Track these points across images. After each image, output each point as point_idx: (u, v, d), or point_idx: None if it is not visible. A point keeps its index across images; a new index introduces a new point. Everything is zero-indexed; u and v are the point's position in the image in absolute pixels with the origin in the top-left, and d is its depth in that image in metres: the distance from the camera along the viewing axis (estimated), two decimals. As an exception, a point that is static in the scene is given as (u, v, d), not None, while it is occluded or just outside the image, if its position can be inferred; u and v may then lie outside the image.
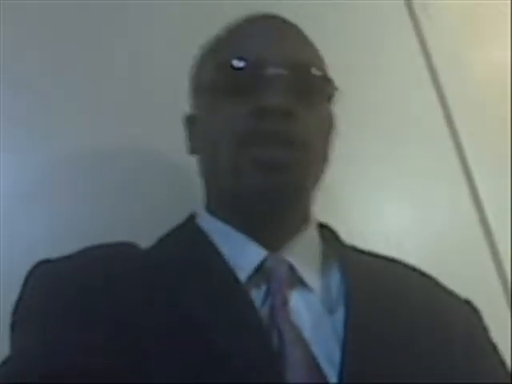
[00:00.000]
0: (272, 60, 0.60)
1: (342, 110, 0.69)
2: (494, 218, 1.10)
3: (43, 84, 0.82)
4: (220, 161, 0.62)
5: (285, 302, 0.57)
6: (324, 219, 0.71)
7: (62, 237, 0.75)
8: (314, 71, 0.63)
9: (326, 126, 0.65)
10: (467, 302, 0.68)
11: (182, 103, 0.71)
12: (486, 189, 1.12)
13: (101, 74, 0.86)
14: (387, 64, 1.13)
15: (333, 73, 0.68)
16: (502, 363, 0.63)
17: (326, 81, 0.65)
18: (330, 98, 0.66)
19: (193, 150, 0.70)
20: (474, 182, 1.11)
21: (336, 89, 0.65)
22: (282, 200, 0.60)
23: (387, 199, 1.05)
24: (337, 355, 0.53)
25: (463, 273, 0.95)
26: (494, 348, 0.64)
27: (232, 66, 0.61)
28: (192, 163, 0.70)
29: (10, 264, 0.71)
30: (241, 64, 0.61)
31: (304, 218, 0.66)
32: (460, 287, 0.68)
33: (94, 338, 0.50)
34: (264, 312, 0.56)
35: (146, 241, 0.65)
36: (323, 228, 0.70)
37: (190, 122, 0.71)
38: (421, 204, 1.07)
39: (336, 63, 0.69)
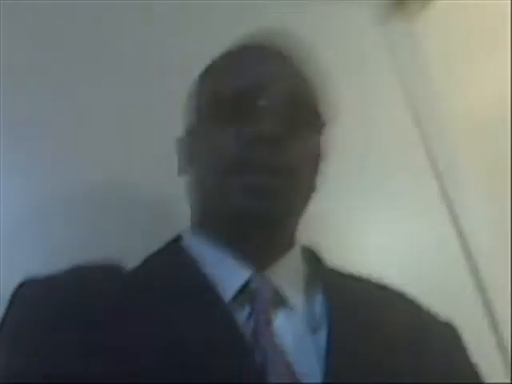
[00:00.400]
0: (264, 91, 0.62)
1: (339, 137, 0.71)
2: (473, 242, 1.12)
3: (28, 115, 0.84)
4: (207, 185, 0.63)
5: (268, 323, 0.58)
6: (306, 239, 0.72)
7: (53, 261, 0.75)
8: (305, 103, 0.65)
9: (315, 156, 0.66)
10: (447, 323, 0.69)
11: (170, 137, 0.74)
12: (466, 210, 1.13)
13: (93, 107, 0.88)
14: (373, 95, 1.15)
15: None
16: (481, 381, 0.64)
17: (317, 114, 0.66)
18: (320, 129, 0.67)
19: (181, 171, 0.71)
20: (454, 206, 1.13)
21: (327, 122, 0.67)
22: (267, 225, 0.61)
23: (370, 222, 1.06)
24: (319, 374, 0.54)
25: (445, 294, 0.96)
26: (474, 368, 0.65)
27: (228, 94, 0.63)
28: (177, 193, 0.72)
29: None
30: (234, 94, 0.62)
31: (289, 241, 0.67)
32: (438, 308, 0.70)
33: (77, 355, 0.51)
34: (247, 332, 0.56)
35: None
36: (307, 250, 0.71)
37: (181, 144, 0.72)
38: (404, 238, 1.09)
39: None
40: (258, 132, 0.59)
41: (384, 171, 1.10)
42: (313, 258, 0.70)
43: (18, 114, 0.84)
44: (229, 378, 0.51)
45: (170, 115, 0.75)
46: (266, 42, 0.69)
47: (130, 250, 0.72)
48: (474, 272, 1.10)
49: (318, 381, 0.53)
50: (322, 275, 0.67)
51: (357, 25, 1.20)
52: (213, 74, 0.69)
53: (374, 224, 1.06)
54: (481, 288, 1.08)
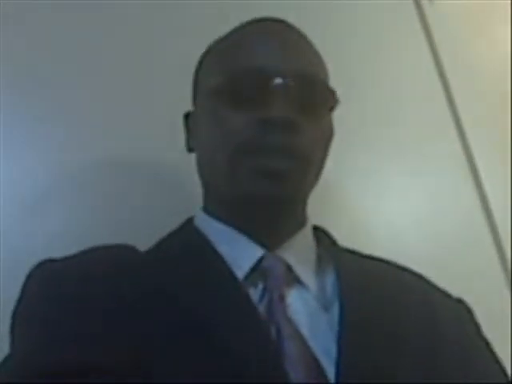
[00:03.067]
0: (278, 71, 0.60)
1: (345, 100, 0.68)
2: (497, 212, 1.09)
3: (44, 96, 0.83)
4: (219, 167, 0.62)
5: (282, 298, 0.58)
6: (327, 213, 0.71)
7: (62, 243, 0.75)
8: (320, 83, 0.64)
9: (327, 137, 0.66)
10: (459, 301, 0.69)
11: (180, 112, 0.72)
12: (491, 183, 1.11)
13: (101, 84, 0.86)
14: (392, 57, 1.13)
15: (341, 66, 0.66)
16: (496, 360, 0.64)
17: (330, 92, 0.65)
18: (331, 108, 0.66)
19: (191, 149, 0.71)
20: (479, 178, 1.11)
21: (338, 100, 0.66)
22: (278, 208, 0.61)
23: (390, 193, 1.04)
24: (333, 349, 0.54)
25: (465, 267, 0.94)
26: (487, 345, 0.65)
27: (238, 76, 0.61)
28: (189, 171, 0.70)
29: (10, 264, 0.72)
30: (247, 74, 0.61)
31: (300, 221, 0.67)
32: (461, 281, 0.68)
33: (95, 336, 0.51)
34: (261, 308, 0.57)
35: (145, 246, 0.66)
36: (318, 231, 0.71)
37: (190, 119, 0.71)
38: (423, 198, 1.07)
39: (335, 51, 0.68)
40: (272, 115, 0.58)
41: (404, 135, 1.06)
42: (324, 238, 0.71)
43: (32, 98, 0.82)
44: (246, 353, 0.51)
45: (183, 91, 0.73)
46: (273, 19, 0.67)
47: (142, 230, 0.73)
48: (496, 237, 1.07)
49: (333, 355, 0.53)
50: (333, 254, 0.67)
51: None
52: (224, 51, 0.67)
53: (391, 190, 1.04)
54: (502, 255, 1.06)
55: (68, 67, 0.85)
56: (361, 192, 1.00)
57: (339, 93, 0.65)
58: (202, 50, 0.71)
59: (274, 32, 0.65)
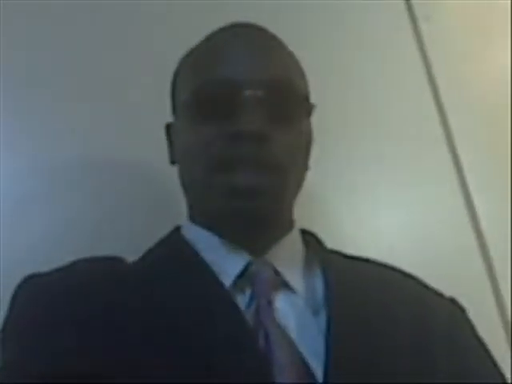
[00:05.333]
0: (246, 81, 0.59)
1: (337, 113, 0.69)
2: (485, 221, 1.10)
3: (29, 95, 0.83)
4: (195, 182, 0.63)
5: (270, 303, 0.58)
6: (315, 223, 0.72)
7: (46, 243, 0.76)
8: (291, 88, 0.62)
9: (304, 142, 0.65)
10: (452, 300, 0.69)
11: (168, 111, 0.72)
12: (480, 196, 1.12)
13: (94, 84, 0.87)
14: (383, 66, 1.13)
15: (330, 77, 0.67)
16: (491, 359, 0.63)
17: (304, 98, 0.64)
18: (308, 113, 0.65)
19: (173, 161, 0.70)
20: (467, 185, 1.12)
21: (313, 104, 0.65)
22: (257, 222, 0.61)
23: (379, 203, 1.04)
24: (322, 352, 0.54)
25: (454, 275, 0.95)
26: (482, 344, 0.65)
27: (206, 89, 0.60)
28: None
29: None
30: (216, 87, 0.60)
31: (287, 225, 0.67)
32: (451, 289, 0.69)
33: (83, 347, 0.51)
34: (250, 314, 0.56)
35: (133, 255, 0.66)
36: (306, 234, 0.70)
37: (171, 131, 0.71)
38: (413, 207, 1.07)
39: (329, 64, 0.69)
40: (240, 129, 0.57)
41: (396, 149, 1.08)
42: (312, 241, 0.70)
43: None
44: (232, 362, 0.51)
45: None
46: (242, 25, 0.66)
47: (132, 233, 0.73)
48: (484, 248, 1.09)
49: (322, 360, 0.53)
50: (321, 257, 0.67)
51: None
52: (192, 63, 0.66)
53: (382, 200, 1.05)
54: (490, 266, 1.07)
55: (55, 67, 0.85)
56: (348, 205, 1.00)
57: (330, 106, 0.65)
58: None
59: (241, 39, 0.64)
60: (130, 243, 0.67)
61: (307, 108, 0.65)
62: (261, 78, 0.60)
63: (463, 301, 0.69)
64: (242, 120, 0.57)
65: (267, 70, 0.61)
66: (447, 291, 0.69)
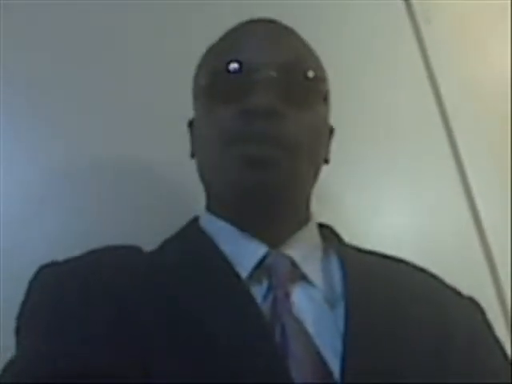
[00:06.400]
0: (263, 63, 0.61)
1: (343, 113, 0.69)
2: (488, 220, 1.10)
3: (33, 96, 0.83)
4: (210, 160, 0.63)
5: (287, 295, 0.57)
6: (321, 220, 0.71)
7: (60, 246, 0.75)
8: (307, 72, 0.63)
9: (319, 126, 0.65)
10: (470, 299, 0.68)
11: (174, 113, 0.73)
12: (481, 191, 1.12)
13: (90, 83, 0.87)
14: (385, 68, 1.14)
15: (330, 77, 0.68)
16: (508, 360, 0.63)
17: (321, 81, 0.65)
18: (325, 97, 0.66)
19: (192, 154, 0.71)
20: (470, 186, 1.12)
21: (328, 89, 0.66)
22: (270, 196, 0.60)
23: (385, 202, 1.05)
24: (339, 347, 0.53)
25: (459, 274, 0.95)
26: (499, 344, 0.64)
27: (224, 71, 0.62)
28: (187, 171, 0.70)
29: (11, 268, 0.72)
30: (232, 68, 0.61)
31: (303, 217, 0.66)
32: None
33: (98, 338, 0.51)
34: (266, 306, 0.56)
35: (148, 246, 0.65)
36: (324, 228, 0.70)
37: (191, 125, 0.72)
38: (418, 206, 1.07)
39: (333, 66, 0.69)
40: (255, 104, 0.59)
41: (400, 150, 1.08)
42: (330, 235, 0.70)
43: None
44: (248, 355, 0.51)
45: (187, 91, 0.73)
46: (263, 18, 0.68)
47: (144, 229, 0.73)
48: (488, 252, 1.08)
49: (339, 354, 0.52)
50: (339, 250, 0.66)
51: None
52: (211, 52, 0.68)
53: (387, 203, 1.05)
54: (493, 267, 1.07)
55: (66, 71, 0.85)
56: (357, 205, 1.00)
57: (336, 107, 0.66)
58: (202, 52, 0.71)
59: (258, 29, 0.66)
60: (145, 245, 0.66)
61: (322, 91, 0.65)
62: (274, 61, 0.61)
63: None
64: (256, 97, 0.59)
65: (280, 54, 0.62)
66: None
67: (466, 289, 0.69)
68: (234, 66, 0.61)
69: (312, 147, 0.63)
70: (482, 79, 1.26)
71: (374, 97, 1.09)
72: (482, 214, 1.11)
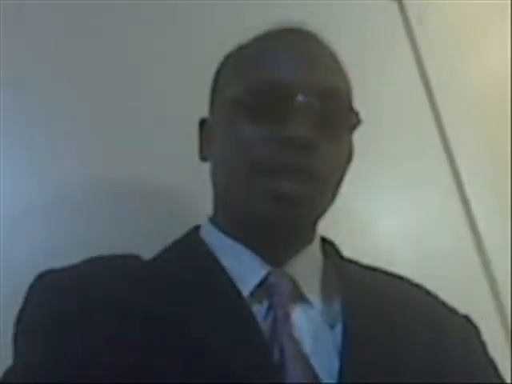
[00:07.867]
0: (301, 87, 0.58)
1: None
2: (484, 228, 1.10)
3: (42, 110, 0.82)
4: (234, 183, 0.61)
5: (287, 316, 0.57)
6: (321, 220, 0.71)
7: (59, 252, 0.75)
8: (343, 101, 0.61)
9: (345, 159, 0.63)
10: (465, 317, 0.68)
11: (175, 129, 0.72)
12: (476, 200, 1.12)
13: (99, 100, 0.86)
14: (382, 78, 1.13)
15: None
16: (499, 377, 0.63)
17: (353, 112, 0.63)
18: (352, 129, 0.64)
19: (205, 158, 0.69)
20: (465, 192, 1.12)
21: (360, 120, 0.63)
22: (289, 231, 0.60)
23: (378, 211, 1.04)
24: (336, 368, 0.53)
25: (453, 284, 0.95)
26: (491, 362, 0.65)
27: (258, 88, 0.59)
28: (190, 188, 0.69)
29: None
30: (268, 87, 0.58)
31: (310, 237, 0.65)
32: (449, 298, 0.69)
33: (96, 346, 0.51)
34: (266, 326, 0.56)
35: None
36: (325, 242, 0.70)
37: (206, 127, 0.69)
38: (412, 215, 1.07)
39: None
40: (291, 134, 0.56)
41: (395, 154, 1.08)
42: (331, 251, 0.69)
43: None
44: (247, 373, 0.51)
45: (186, 105, 0.73)
46: (294, 28, 0.64)
47: (143, 242, 0.72)
48: (484, 257, 1.09)
49: (335, 375, 0.53)
50: (339, 269, 0.66)
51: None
52: (242, 61, 0.64)
53: (384, 207, 1.04)
54: (490, 274, 1.07)
55: (70, 80, 0.84)
56: (346, 210, 1.00)
57: None
58: (205, 62, 0.70)
59: (294, 43, 0.62)
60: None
61: (354, 124, 0.63)
62: (314, 86, 0.58)
63: (462, 303, 0.69)
64: (292, 125, 0.56)
65: (320, 79, 0.60)
66: (445, 293, 0.69)
67: (464, 288, 0.69)
68: (272, 85, 0.58)
69: (336, 181, 0.62)
70: (476, 77, 1.26)
71: (363, 98, 1.09)
72: (477, 216, 1.11)
